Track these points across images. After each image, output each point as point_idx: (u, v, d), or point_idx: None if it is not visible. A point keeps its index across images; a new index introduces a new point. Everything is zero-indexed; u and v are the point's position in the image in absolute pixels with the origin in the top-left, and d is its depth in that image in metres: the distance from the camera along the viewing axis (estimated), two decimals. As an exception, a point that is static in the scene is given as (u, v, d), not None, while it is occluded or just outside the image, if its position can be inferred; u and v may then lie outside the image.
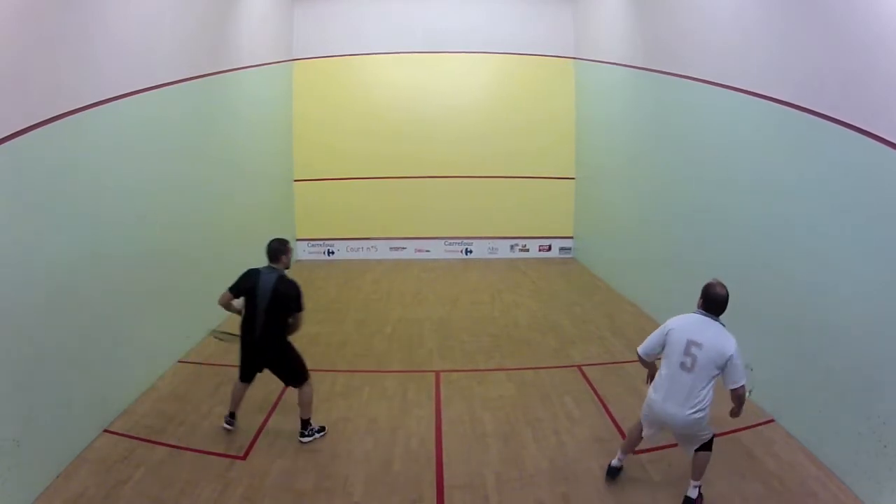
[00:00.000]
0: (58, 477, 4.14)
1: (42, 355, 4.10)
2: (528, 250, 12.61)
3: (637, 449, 4.40)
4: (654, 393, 3.88)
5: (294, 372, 4.77)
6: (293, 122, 12.10)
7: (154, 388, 5.75)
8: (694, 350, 3.67)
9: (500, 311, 8.69)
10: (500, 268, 11.62)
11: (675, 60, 7.38)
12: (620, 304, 8.93)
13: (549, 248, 12.63)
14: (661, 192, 8.01)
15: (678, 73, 7.24)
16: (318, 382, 4.89)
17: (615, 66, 9.75)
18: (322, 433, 4.85)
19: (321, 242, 12.34)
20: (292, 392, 4.96)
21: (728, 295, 3.74)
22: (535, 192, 12.42)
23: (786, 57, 5.01)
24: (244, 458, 4.53)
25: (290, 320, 4.67)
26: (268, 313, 4.56)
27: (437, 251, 12.56)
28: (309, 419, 4.80)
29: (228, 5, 8.37)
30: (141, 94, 5.68)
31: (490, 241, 12.60)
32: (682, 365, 3.70)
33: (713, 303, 3.73)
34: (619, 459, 4.27)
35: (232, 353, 6.65)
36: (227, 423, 4.89)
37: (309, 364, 4.88)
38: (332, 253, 12.40)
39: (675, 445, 4.15)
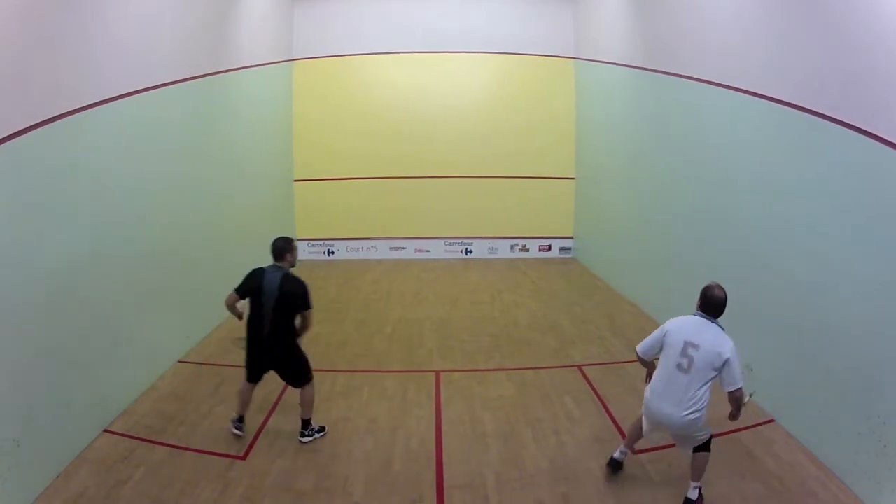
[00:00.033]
0: (58, 477, 4.14)
1: (42, 355, 4.10)
2: (528, 250, 12.61)
3: (637, 449, 4.41)
4: (649, 393, 3.90)
5: (299, 372, 4.74)
6: (293, 122, 12.10)
7: (154, 388, 5.75)
8: (691, 351, 3.68)
9: (500, 311, 8.69)
10: (500, 268, 11.62)
11: (675, 60, 7.38)
12: (620, 304, 8.93)
13: (549, 248, 12.63)
14: (661, 192, 8.01)
15: (678, 73, 7.24)
16: (319, 382, 4.88)
17: (615, 66, 9.74)
18: (322, 433, 4.85)
19: (321, 242, 12.34)
20: (292, 392, 4.96)
21: (726, 297, 3.76)
22: (535, 192, 12.41)
23: (786, 57, 5.01)
24: (244, 458, 4.52)
25: (299, 320, 4.63)
26: (275, 312, 4.52)
27: (437, 251, 12.56)
28: (310, 419, 4.80)
29: (228, 5, 8.37)
30: (141, 94, 5.68)
31: (490, 241, 12.59)
32: (679, 366, 3.72)
33: (711, 305, 3.75)
34: (622, 452, 4.30)
35: (232, 354, 6.65)
36: (235, 427, 4.77)
37: (309, 364, 4.88)
38: (332, 253, 12.40)
39: (675, 445, 4.15)
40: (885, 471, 3.76)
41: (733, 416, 3.76)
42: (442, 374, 6.22)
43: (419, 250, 12.54)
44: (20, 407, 3.87)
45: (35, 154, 4.10)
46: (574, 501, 4.01)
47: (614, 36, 9.88)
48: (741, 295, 5.43)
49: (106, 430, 4.83)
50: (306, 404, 4.77)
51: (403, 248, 12.55)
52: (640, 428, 4.11)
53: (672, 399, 3.73)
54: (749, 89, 5.55)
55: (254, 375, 4.78)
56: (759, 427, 4.89)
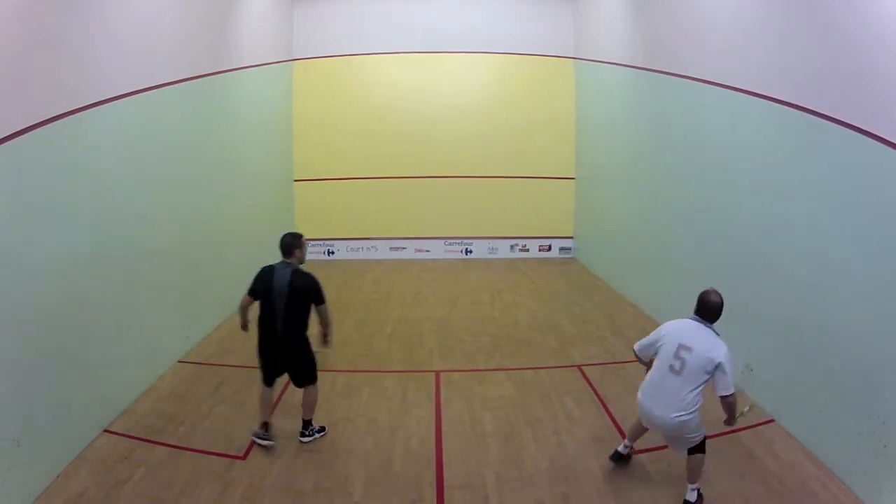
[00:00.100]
0: (58, 477, 4.14)
1: (42, 355, 4.10)
2: (528, 250, 12.61)
3: (637, 449, 4.42)
4: (641, 394, 3.94)
5: (308, 372, 4.71)
6: (293, 122, 12.10)
7: (154, 388, 5.75)
8: (683, 354, 3.71)
9: (500, 311, 8.69)
10: (500, 268, 11.62)
11: (675, 60, 7.38)
12: (620, 304, 8.93)
13: (549, 248, 12.63)
14: (661, 192, 8.01)
15: (678, 73, 7.24)
16: (319, 383, 4.87)
17: (615, 66, 9.74)
18: (322, 433, 4.85)
19: (321, 242, 12.33)
20: (292, 392, 4.96)
21: (722, 303, 3.79)
22: (535, 192, 12.42)
23: (786, 57, 5.01)
24: (244, 458, 4.52)
25: (316, 317, 4.57)
26: (287, 309, 4.46)
27: (437, 251, 12.56)
28: (311, 420, 4.79)
29: (228, 5, 8.38)
30: (141, 94, 5.68)
31: (490, 241, 12.59)
32: (672, 368, 3.75)
33: (707, 310, 3.79)
34: (625, 447, 4.33)
35: (232, 354, 6.69)
36: (261, 437, 4.63)
37: (309, 364, 4.87)
38: (332, 253, 12.40)
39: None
40: (885, 471, 3.76)
41: (727, 421, 3.77)
42: (442, 374, 6.22)
43: (419, 250, 12.54)
44: (20, 407, 3.87)
45: (35, 154, 4.10)
46: (574, 501, 4.01)
47: (614, 36, 9.88)
48: (741, 295, 5.45)
49: (106, 430, 4.83)
50: (309, 405, 4.76)
51: (403, 248, 12.56)
52: (641, 424, 4.13)
53: (663, 400, 3.76)
54: (749, 89, 5.55)
55: (269, 378, 4.70)
56: (759, 427, 4.89)
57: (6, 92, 3.80)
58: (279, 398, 5.41)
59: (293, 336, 4.54)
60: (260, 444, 4.63)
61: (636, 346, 4.08)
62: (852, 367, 4.11)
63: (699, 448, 3.85)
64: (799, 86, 4.80)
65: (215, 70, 7.77)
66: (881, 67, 3.86)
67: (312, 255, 12.24)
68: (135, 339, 5.48)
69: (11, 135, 3.84)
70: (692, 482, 3.86)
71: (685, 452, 3.88)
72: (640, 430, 4.23)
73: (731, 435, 4.63)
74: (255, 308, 4.67)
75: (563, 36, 12.17)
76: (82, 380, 4.58)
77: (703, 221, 6.69)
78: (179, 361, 6.46)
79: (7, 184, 3.84)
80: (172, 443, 4.71)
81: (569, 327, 7.81)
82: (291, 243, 4.61)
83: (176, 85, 6.51)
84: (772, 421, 4.99)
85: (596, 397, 5.60)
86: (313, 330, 4.69)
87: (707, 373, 3.64)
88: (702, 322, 3.78)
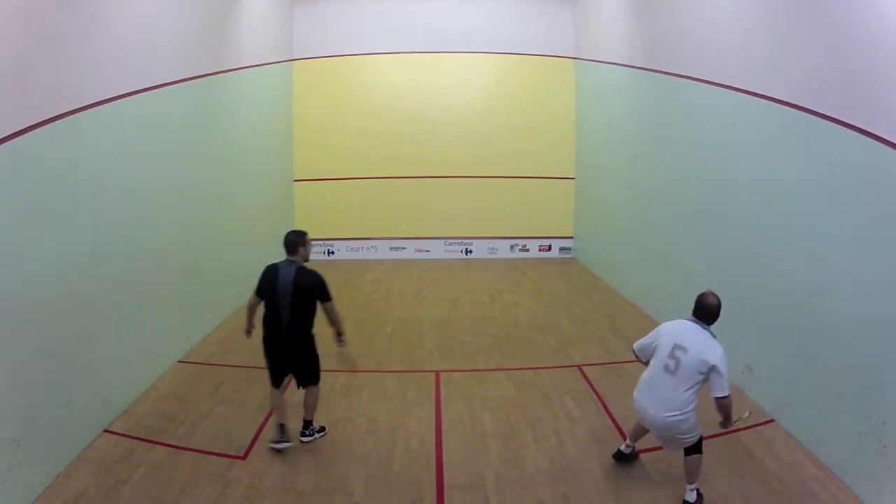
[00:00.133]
0: (58, 477, 4.14)
1: (42, 355, 4.10)
2: (528, 250, 12.61)
3: (638, 449, 4.42)
4: (636, 393, 3.97)
5: (312, 371, 4.67)
6: (293, 122, 12.10)
7: (154, 388, 5.75)
8: (678, 353, 3.73)
9: (500, 311, 8.69)
10: (500, 268, 11.62)
11: (675, 60, 7.38)
12: (620, 304, 8.93)
13: (549, 248, 12.63)
14: (661, 192, 8.01)
15: (678, 73, 7.24)
16: (319, 382, 4.87)
17: (615, 66, 9.74)
18: (322, 433, 4.85)
19: (321, 242, 12.31)
20: (292, 392, 4.95)
21: (719, 305, 3.81)
22: (535, 192, 12.42)
23: (786, 57, 5.01)
24: (244, 458, 4.52)
25: (324, 316, 4.53)
26: (292, 307, 4.41)
27: (437, 251, 12.56)
28: (311, 420, 4.79)
29: (228, 5, 8.38)
30: (141, 94, 5.68)
31: (490, 241, 12.60)
32: (666, 367, 3.77)
33: (704, 311, 3.81)
34: (627, 446, 4.35)
35: (232, 354, 6.69)
36: (278, 441, 4.56)
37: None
38: (332, 253, 12.40)
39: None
40: (885, 471, 3.76)
41: (722, 424, 3.77)
42: (442, 374, 6.22)
43: (419, 250, 12.54)
44: (20, 407, 3.87)
45: (35, 154, 4.10)
46: (574, 501, 4.01)
47: (614, 36, 9.88)
48: (741, 295, 5.46)
49: (106, 430, 4.83)
50: (311, 405, 4.74)
51: (403, 248, 12.56)
52: (642, 424, 4.14)
53: (656, 399, 3.79)
54: (749, 89, 5.55)
55: (277, 379, 4.64)
56: (759, 427, 4.89)
57: (6, 92, 3.80)
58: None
59: (298, 335, 4.51)
60: (279, 450, 4.56)
61: (635, 346, 4.12)
62: (852, 367, 4.11)
63: (696, 449, 3.85)
64: (799, 86, 4.80)
65: (215, 70, 7.77)
66: (881, 67, 3.86)
67: (312, 254, 12.24)
68: (135, 339, 5.47)
69: (11, 135, 3.84)
70: (690, 482, 3.86)
71: (682, 453, 3.89)
72: (641, 431, 4.23)
73: (731, 435, 4.62)
74: (259, 310, 4.65)
75: (563, 36, 12.17)
76: (82, 380, 4.58)
77: (703, 221, 6.69)
78: (179, 361, 6.46)
79: (7, 184, 3.84)
80: (172, 443, 4.71)
81: (569, 327, 7.81)
82: (295, 241, 4.57)
83: (176, 85, 6.51)
84: (772, 421, 4.99)
85: (596, 397, 5.60)
86: (328, 331, 4.65)
87: (701, 374, 3.65)
88: (699, 324, 3.80)
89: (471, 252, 12.61)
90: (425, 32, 12.10)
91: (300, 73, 12.10)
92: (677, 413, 3.69)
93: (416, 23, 12.10)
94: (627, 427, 4.53)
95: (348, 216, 12.39)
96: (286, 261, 4.54)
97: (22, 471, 3.78)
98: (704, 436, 3.91)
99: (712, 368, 3.60)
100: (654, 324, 4.40)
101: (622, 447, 4.38)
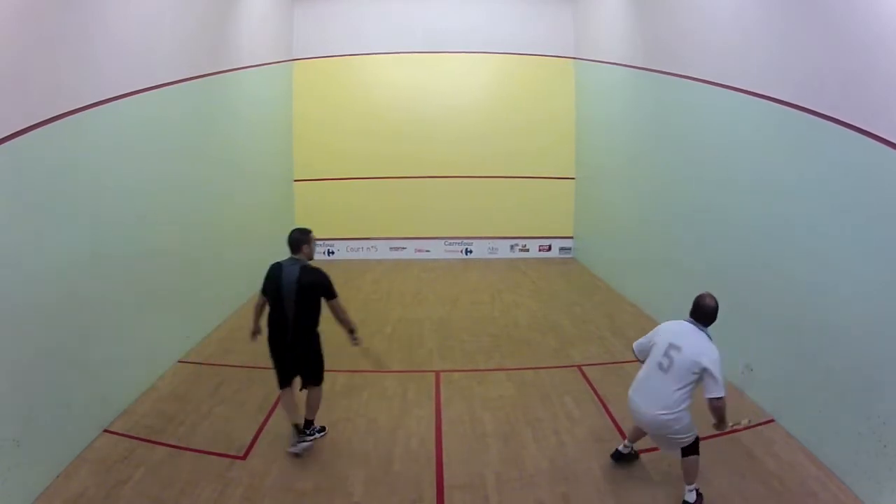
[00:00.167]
0: (58, 477, 4.14)
1: (42, 355, 4.10)
2: (528, 250, 12.61)
3: (638, 449, 4.42)
4: (630, 391, 3.99)
5: (317, 370, 4.65)
6: (293, 122, 12.11)
7: (154, 388, 5.75)
8: (672, 352, 3.76)
9: (500, 311, 8.69)
10: (500, 268, 11.62)
11: (675, 60, 7.38)
12: (620, 304, 8.93)
13: (549, 248, 12.63)
14: (661, 192, 8.01)
15: (678, 73, 7.24)
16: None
17: (615, 66, 9.74)
18: (322, 433, 4.85)
19: (321, 242, 12.21)
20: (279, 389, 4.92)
21: (717, 307, 3.82)
22: (535, 192, 12.42)
23: (786, 57, 5.01)
24: (244, 458, 4.52)
25: (333, 316, 4.51)
26: (297, 305, 4.38)
27: (437, 251, 12.56)
28: (312, 420, 4.78)
29: (228, 5, 8.38)
30: (141, 94, 5.68)
31: (490, 241, 12.60)
32: (660, 366, 3.80)
33: (700, 312, 3.83)
34: (626, 446, 4.36)
35: (232, 354, 6.69)
36: (299, 442, 4.50)
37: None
38: (332, 253, 12.40)
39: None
40: (885, 471, 3.76)
41: (716, 426, 3.76)
42: (442, 374, 6.22)
43: (419, 250, 12.54)
44: (20, 407, 3.87)
45: (35, 154, 4.10)
46: (574, 501, 4.01)
47: (614, 36, 9.88)
48: (741, 295, 5.47)
49: (106, 430, 4.83)
50: (313, 406, 4.72)
51: (403, 248, 12.56)
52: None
53: (648, 396, 3.81)
54: (749, 89, 5.55)
55: (284, 379, 4.61)
56: (759, 427, 4.88)
57: (6, 92, 3.80)
58: (279, 398, 5.41)
59: (303, 334, 4.49)
60: (298, 454, 4.50)
61: (634, 345, 4.15)
62: (852, 367, 4.11)
63: (692, 450, 3.84)
64: (799, 86, 4.80)
65: (215, 70, 7.78)
66: (881, 67, 3.86)
67: (312, 255, 12.28)
68: (135, 339, 5.47)
69: (11, 135, 3.84)
70: (689, 483, 3.86)
71: (677, 454, 3.89)
72: (640, 432, 4.23)
73: (731, 435, 4.61)
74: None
75: (563, 36, 12.17)
76: (82, 380, 4.58)
77: (703, 221, 6.69)
78: (179, 361, 6.46)
79: (7, 184, 3.84)
80: (172, 443, 4.71)
81: (569, 327, 7.81)
82: (299, 239, 4.54)
83: (176, 85, 6.51)
84: (772, 421, 4.99)
85: (596, 397, 5.60)
86: (336, 333, 4.63)
87: (694, 374, 3.66)
88: (696, 325, 3.82)
89: (471, 252, 12.61)
90: (425, 32, 12.10)
91: (300, 73, 12.10)
92: (668, 412, 3.71)
93: (416, 23, 12.11)
94: (627, 427, 4.53)
95: (348, 216, 12.39)
96: (290, 259, 4.51)
97: (22, 471, 3.78)
98: (704, 437, 3.91)
99: (705, 370, 3.61)
100: (654, 324, 4.41)
101: (620, 447, 4.39)
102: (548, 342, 7.25)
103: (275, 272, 4.48)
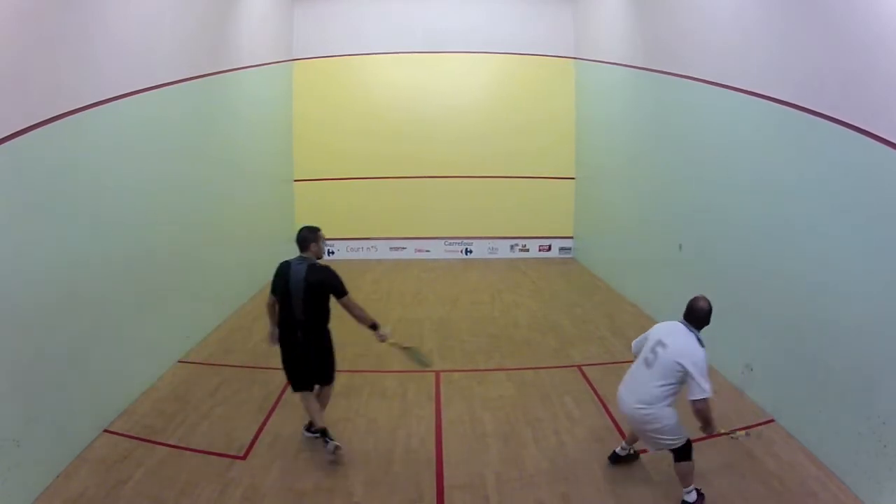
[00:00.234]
0: (58, 477, 4.14)
1: (42, 355, 4.10)
2: (528, 250, 12.61)
3: (638, 449, 4.42)
4: (619, 385, 4.06)
5: (327, 370, 4.61)
6: (293, 122, 12.11)
7: (154, 388, 5.75)
8: (658, 349, 3.80)
9: (500, 311, 8.69)
10: (500, 268, 11.62)
11: (675, 60, 7.38)
12: (620, 304, 8.93)
13: (549, 248, 12.63)
14: (661, 192, 8.01)
15: (678, 73, 7.24)
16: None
17: (615, 66, 9.74)
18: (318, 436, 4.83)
19: (321, 242, 12.34)
20: (292, 392, 4.94)
21: (710, 310, 3.83)
22: (535, 192, 12.42)
23: (786, 57, 5.01)
24: (244, 458, 4.52)
25: (349, 312, 4.46)
26: (305, 304, 4.35)
27: (437, 251, 12.56)
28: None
29: (228, 5, 8.38)
30: (141, 94, 5.68)
31: (490, 241, 12.60)
32: (646, 360, 3.86)
33: (693, 315, 3.84)
34: (623, 448, 4.37)
35: (232, 354, 6.70)
36: (327, 443, 4.43)
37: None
38: (332, 253, 12.34)
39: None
40: (885, 471, 3.76)
41: (703, 429, 3.76)
42: (442, 374, 6.21)
43: (419, 250, 12.55)
44: (20, 407, 3.87)
45: (35, 154, 4.10)
46: (574, 501, 4.01)
47: (614, 36, 9.88)
48: (741, 295, 5.47)
49: (106, 430, 4.83)
50: (322, 404, 4.69)
51: (403, 248, 12.56)
52: None
53: (630, 388, 3.90)
54: (749, 89, 5.55)
55: (297, 382, 4.57)
56: (759, 427, 4.89)
57: (6, 92, 3.80)
58: (279, 398, 5.43)
59: (314, 333, 4.47)
60: (334, 458, 4.43)
61: (633, 344, 4.19)
62: (852, 367, 4.11)
63: (684, 455, 3.83)
64: (799, 86, 4.80)
65: (215, 70, 7.78)
66: (881, 67, 3.86)
67: (312, 255, 12.28)
68: (135, 339, 5.47)
69: (11, 135, 3.84)
70: (685, 486, 3.86)
71: (672, 458, 3.89)
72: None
73: (730, 435, 4.62)
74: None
75: (563, 36, 12.18)
76: (82, 380, 4.57)
77: (703, 221, 6.69)
78: (179, 361, 6.46)
79: (7, 184, 3.84)
80: (172, 443, 4.71)
81: (569, 327, 7.81)
82: (307, 237, 4.50)
83: (176, 85, 6.51)
84: (772, 421, 4.98)
85: (596, 397, 5.60)
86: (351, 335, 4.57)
87: (678, 373, 3.68)
88: (688, 327, 3.83)
89: (471, 252, 12.61)
90: (425, 32, 12.11)
91: (300, 73, 12.10)
92: (645, 406, 3.74)
93: (416, 23, 12.11)
94: (627, 427, 4.52)
95: (348, 216, 12.38)
96: (298, 258, 4.48)
97: (22, 471, 3.78)
98: (703, 437, 3.90)
99: (686, 372, 3.62)
100: (653, 324, 4.40)
101: (618, 449, 4.39)
102: (548, 342, 7.25)
103: (283, 271, 4.45)
